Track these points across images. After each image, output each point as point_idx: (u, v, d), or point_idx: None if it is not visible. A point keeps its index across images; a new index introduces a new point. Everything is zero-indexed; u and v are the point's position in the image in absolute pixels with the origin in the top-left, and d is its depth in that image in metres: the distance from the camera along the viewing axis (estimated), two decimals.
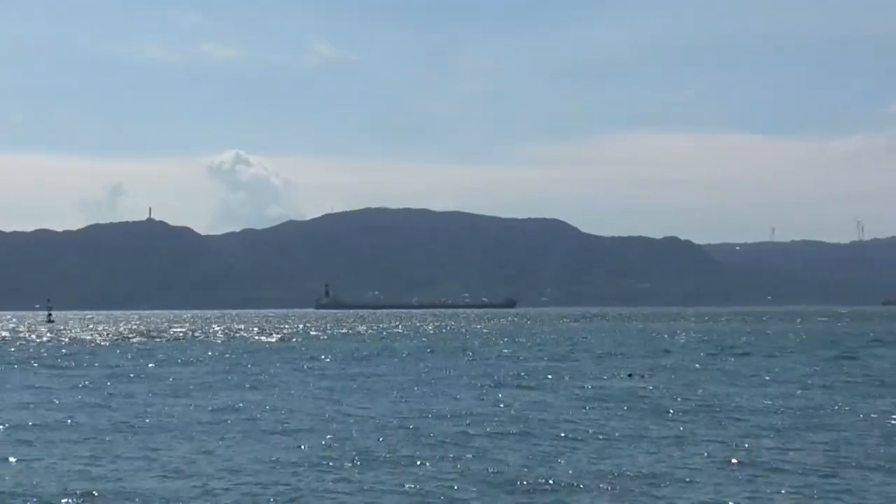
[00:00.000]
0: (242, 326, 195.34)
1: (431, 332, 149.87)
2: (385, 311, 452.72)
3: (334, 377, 62.63)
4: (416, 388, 53.28)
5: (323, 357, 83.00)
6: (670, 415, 41.63)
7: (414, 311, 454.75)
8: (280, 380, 60.94)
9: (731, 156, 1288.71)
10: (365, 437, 35.64)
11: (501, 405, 45.10)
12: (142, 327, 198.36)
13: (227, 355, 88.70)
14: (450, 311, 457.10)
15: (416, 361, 74.68)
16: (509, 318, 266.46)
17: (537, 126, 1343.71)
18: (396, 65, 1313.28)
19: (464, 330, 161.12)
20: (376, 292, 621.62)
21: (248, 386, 56.46)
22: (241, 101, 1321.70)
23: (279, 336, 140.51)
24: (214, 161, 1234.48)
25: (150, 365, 76.89)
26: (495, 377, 60.65)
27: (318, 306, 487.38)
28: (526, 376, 61.12)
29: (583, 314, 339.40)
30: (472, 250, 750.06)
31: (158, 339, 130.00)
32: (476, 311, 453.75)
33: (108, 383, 60.18)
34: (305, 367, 72.09)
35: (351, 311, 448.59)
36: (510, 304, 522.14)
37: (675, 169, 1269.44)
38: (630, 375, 60.13)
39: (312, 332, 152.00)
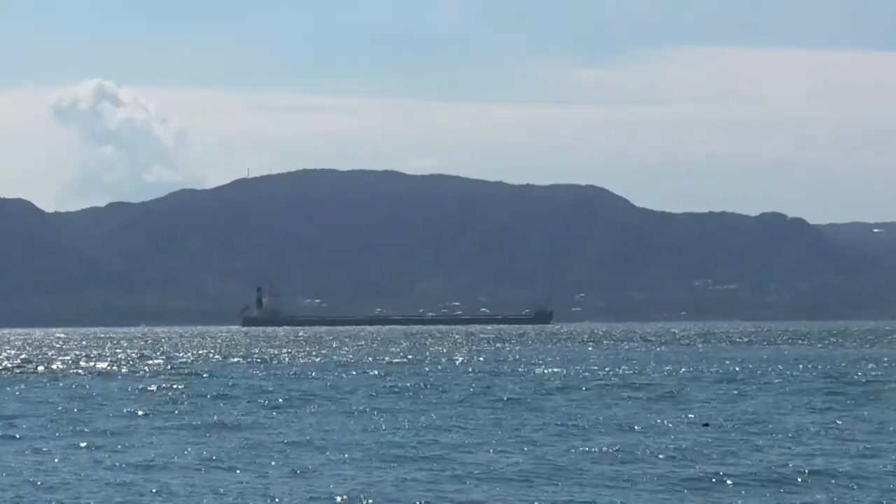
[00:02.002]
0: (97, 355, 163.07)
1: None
2: (354, 327, 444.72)
3: None
4: None
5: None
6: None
7: (397, 326, 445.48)
8: None
9: (865, 85, 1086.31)
10: None
11: None
12: None
13: None
14: (442, 327, 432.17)
15: None
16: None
17: (563, 39, 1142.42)
18: None
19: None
20: (318, 300, 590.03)
21: None
22: (105, 6, 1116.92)
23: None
24: (64, 97, 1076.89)
25: None
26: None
27: (247, 321, 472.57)
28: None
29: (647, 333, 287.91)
30: (464, 234, 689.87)
31: None
32: (487, 326, 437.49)
33: None
34: None
35: (299, 328, 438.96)
36: (544, 317, 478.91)
37: (777, 105, 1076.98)
38: (706, 425, 58.32)
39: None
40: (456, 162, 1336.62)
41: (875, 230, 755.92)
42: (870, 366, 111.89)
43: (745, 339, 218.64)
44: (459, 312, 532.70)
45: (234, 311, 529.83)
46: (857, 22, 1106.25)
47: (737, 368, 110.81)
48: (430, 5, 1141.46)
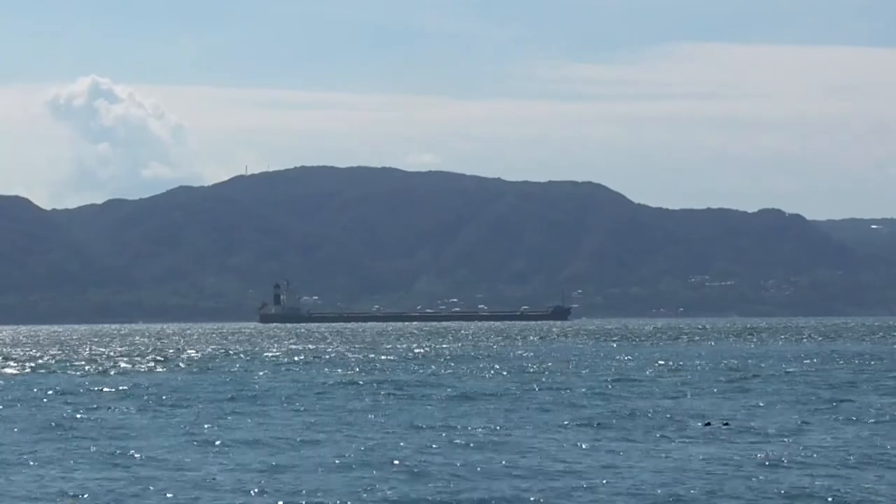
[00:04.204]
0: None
1: None
2: (376, 323, 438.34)
3: None
4: None
5: None
6: None
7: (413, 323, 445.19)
8: None
9: (864, 81, 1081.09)
10: None
11: None
12: None
13: None
14: (462, 323, 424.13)
15: None
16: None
17: (560, 34, 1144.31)
18: None
19: None
20: (315, 297, 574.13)
21: None
22: (100, 3, 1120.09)
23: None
24: (60, 94, 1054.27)
25: None
26: None
27: (264, 318, 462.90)
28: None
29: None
30: (461, 230, 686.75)
31: None
32: (497, 324, 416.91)
33: None
34: None
35: (324, 325, 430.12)
36: (562, 314, 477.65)
37: (775, 101, 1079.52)
38: (708, 424, 55.24)
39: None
40: (454, 158, 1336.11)
41: (873, 226, 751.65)
42: None
43: None
44: (457, 309, 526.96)
45: (234, 308, 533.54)
46: (856, 19, 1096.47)
47: None
48: (428, 1, 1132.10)
